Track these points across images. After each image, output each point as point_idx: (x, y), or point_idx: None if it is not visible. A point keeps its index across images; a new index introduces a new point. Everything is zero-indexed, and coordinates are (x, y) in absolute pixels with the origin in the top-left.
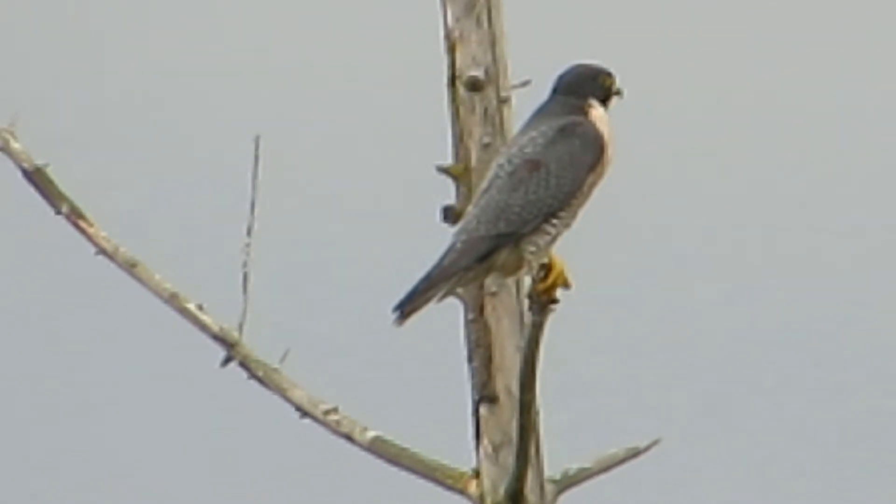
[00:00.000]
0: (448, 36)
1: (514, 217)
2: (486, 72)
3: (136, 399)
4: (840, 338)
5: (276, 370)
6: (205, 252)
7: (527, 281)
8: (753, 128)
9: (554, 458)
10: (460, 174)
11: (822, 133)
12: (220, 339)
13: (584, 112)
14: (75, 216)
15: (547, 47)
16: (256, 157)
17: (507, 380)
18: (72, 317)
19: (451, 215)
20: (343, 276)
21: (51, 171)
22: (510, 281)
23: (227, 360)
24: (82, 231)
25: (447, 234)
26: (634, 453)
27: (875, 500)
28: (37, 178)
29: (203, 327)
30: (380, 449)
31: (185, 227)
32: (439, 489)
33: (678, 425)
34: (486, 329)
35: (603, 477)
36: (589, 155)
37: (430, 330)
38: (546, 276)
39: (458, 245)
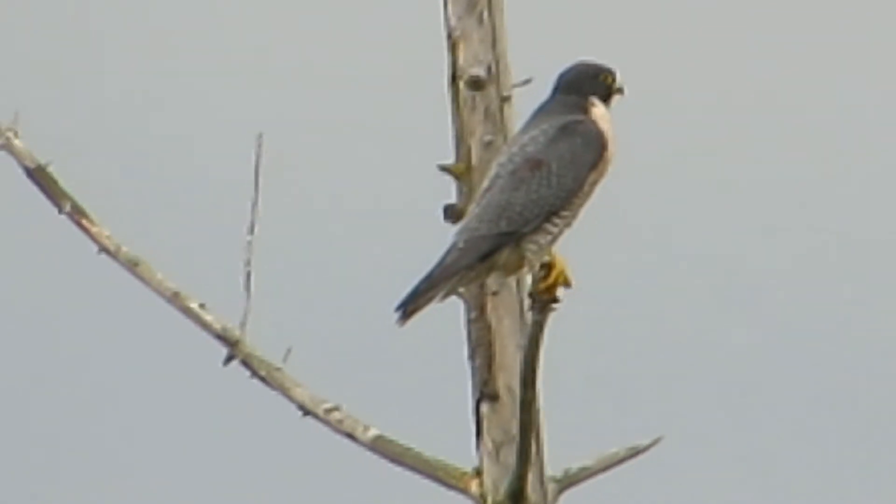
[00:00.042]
0: (450, 35)
1: (515, 216)
2: (488, 70)
3: (138, 398)
4: (840, 338)
5: (278, 369)
6: (207, 251)
7: (528, 280)
8: (753, 128)
9: (555, 456)
10: (462, 173)
11: (822, 133)
12: (222, 337)
13: (585, 110)
14: (78, 215)
15: (548, 46)
16: (258, 157)
17: (508, 378)
18: (73, 316)
19: (452, 214)
20: (345, 275)
21: (53, 170)
22: (511, 280)
23: (229, 359)
24: (85, 230)
25: (449, 233)
26: (635, 452)
27: (876, 500)
28: (39, 177)
29: (205, 326)
30: (381, 447)
31: (187, 227)
32: (441, 488)
33: (679, 424)
34: (487, 328)
35: (604, 476)
36: (590, 153)
37: (431, 329)
38: (547, 275)
39: (460, 244)
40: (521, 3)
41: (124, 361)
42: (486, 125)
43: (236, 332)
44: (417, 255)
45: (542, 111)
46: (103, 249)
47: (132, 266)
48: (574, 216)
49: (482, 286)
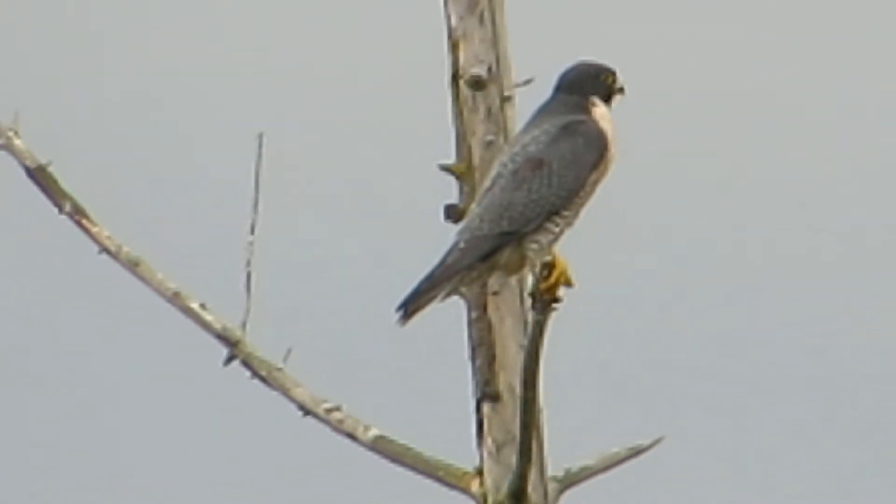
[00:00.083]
0: (451, 34)
1: (516, 215)
2: (489, 70)
3: (138, 398)
4: (840, 338)
5: (278, 369)
6: (207, 251)
7: (529, 280)
8: (753, 128)
9: (556, 456)
10: (463, 173)
11: (822, 133)
12: (222, 337)
13: (586, 110)
14: (78, 215)
15: (549, 46)
16: (259, 156)
17: (509, 378)
18: (73, 316)
19: (453, 214)
20: (345, 275)
21: (53, 170)
22: (513, 280)
23: (229, 359)
24: (85, 230)
25: (450, 233)
26: (637, 452)
27: (876, 500)
28: (40, 177)
29: (206, 326)
30: (382, 447)
31: (188, 227)
32: (442, 487)
33: (680, 424)
34: (488, 328)
35: (605, 475)
36: (592, 153)
37: (432, 329)
38: (549, 275)
39: (462, 244)
40: (522, 3)
41: (125, 361)
42: (487, 125)
43: (237, 332)
44: (418, 255)
45: (543, 111)
46: (104, 249)
47: (133, 266)
48: (575, 216)
49: (483, 286)
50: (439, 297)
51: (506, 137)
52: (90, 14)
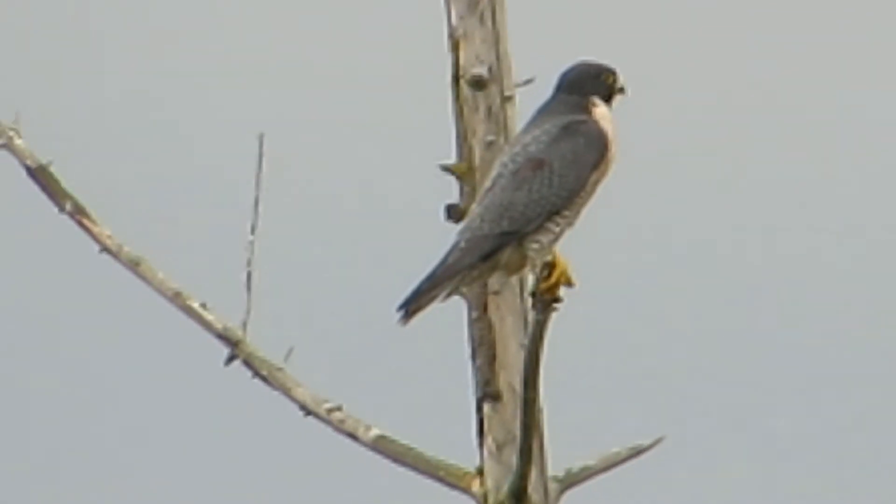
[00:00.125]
0: (451, 34)
1: (517, 215)
2: (490, 70)
3: (139, 398)
4: (840, 338)
5: (279, 369)
6: (208, 250)
7: (530, 279)
8: (753, 128)
9: (557, 456)
10: (464, 173)
11: (822, 133)
12: (223, 337)
13: (587, 110)
14: (79, 214)
15: (550, 45)
16: (260, 156)
17: (510, 378)
18: (74, 315)
19: (454, 214)
20: (346, 275)
21: (54, 170)
22: (514, 279)
23: (230, 359)
24: (86, 229)
25: (451, 233)
26: (638, 452)
27: (876, 500)
28: (41, 176)
29: (207, 326)
30: (383, 447)
31: (189, 226)
32: (443, 487)
33: (680, 424)
34: (489, 327)
35: (606, 475)
36: (592, 153)
37: (433, 329)
38: (549, 275)
39: (462, 244)
40: (522, 3)
41: (125, 361)
42: (487, 125)
43: (238, 332)
44: (419, 255)
45: (544, 111)
46: (105, 249)
47: (134, 266)
48: (576, 216)
49: (484, 286)
50: (440, 297)
51: (506, 137)
52: (90, 14)
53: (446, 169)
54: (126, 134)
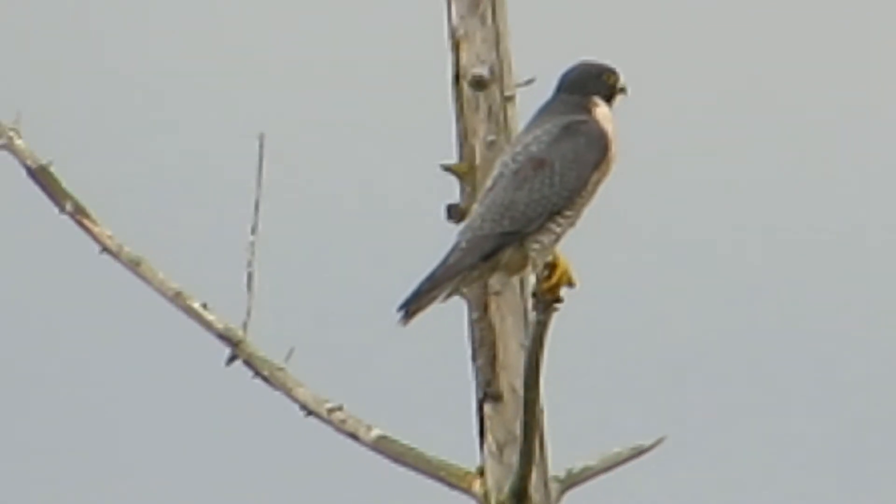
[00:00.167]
0: (452, 34)
1: (518, 215)
2: (491, 70)
3: (139, 398)
4: (840, 338)
5: (280, 368)
6: (209, 251)
7: (531, 279)
8: (753, 128)
9: (558, 456)
10: (465, 172)
11: (822, 133)
12: (224, 337)
13: (588, 110)
14: (79, 214)
15: (551, 45)
16: (261, 156)
17: (511, 378)
18: (74, 316)
19: (455, 214)
20: (347, 275)
21: (55, 170)
22: (514, 280)
23: (231, 359)
24: (86, 229)
25: (452, 233)
26: (638, 452)
27: (876, 500)
28: (41, 177)
29: (207, 325)
30: (384, 447)
31: (189, 226)
32: (444, 488)
33: (681, 424)
34: (490, 328)
35: (607, 475)
36: (593, 153)
37: (434, 329)
38: (550, 275)
39: (463, 244)
40: (523, 3)
41: (126, 361)
42: (488, 125)
43: (239, 332)
44: (420, 255)
45: (545, 111)
46: (105, 249)
47: (134, 266)
48: (577, 216)
49: (485, 286)
50: (441, 297)
51: (507, 137)
52: (91, 14)
53: (447, 169)
54: (126, 134)
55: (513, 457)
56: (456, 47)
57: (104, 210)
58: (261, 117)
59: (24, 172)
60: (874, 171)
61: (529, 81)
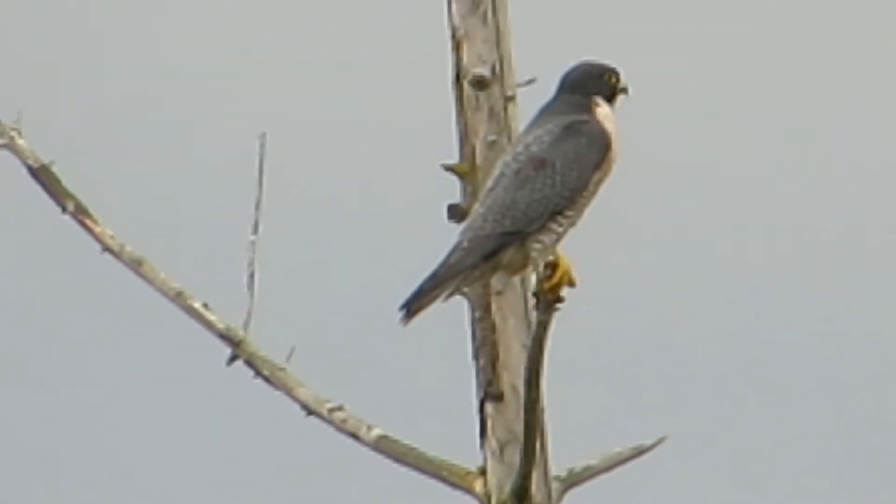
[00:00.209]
0: (453, 34)
1: (519, 215)
2: (492, 70)
3: (140, 397)
4: (840, 338)
5: (281, 368)
6: (210, 250)
7: (532, 279)
8: (753, 128)
9: (559, 455)
10: (466, 172)
11: (822, 133)
12: (225, 337)
13: (589, 110)
14: (81, 214)
15: (552, 45)
16: (260, 156)
17: (512, 378)
18: (76, 315)
19: (456, 213)
20: (348, 275)
21: (56, 169)
22: (516, 279)
23: (232, 359)
24: (88, 229)
25: (453, 233)
26: (640, 451)
27: (875, 500)
28: (43, 176)
29: (209, 325)
30: (385, 447)
31: (190, 226)
32: (445, 487)
33: (682, 424)
34: (491, 327)
35: (608, 475)
36: (594, 153)
37: (435, 329)
38: (552, 275)
39: (465, 243)
40: (524, 3)
41: (127, 361)
42: (490, 125)
43: (240, 332)
44: (421, 255)
45: (546, 111)
46: (107, 249)
47: (136, 265)
48: (578, 216)
49: (486, 286)
50: (442, 297)
51: (509, 137)
52: (91, 14)
53: (448, 169)
54: (127, 134)
55: (514, 456)
56: (457, 47)
57: (106, 210)
58: (261, 117)
59: (25, 172)
60: (874, 171)
61: (530, 81)
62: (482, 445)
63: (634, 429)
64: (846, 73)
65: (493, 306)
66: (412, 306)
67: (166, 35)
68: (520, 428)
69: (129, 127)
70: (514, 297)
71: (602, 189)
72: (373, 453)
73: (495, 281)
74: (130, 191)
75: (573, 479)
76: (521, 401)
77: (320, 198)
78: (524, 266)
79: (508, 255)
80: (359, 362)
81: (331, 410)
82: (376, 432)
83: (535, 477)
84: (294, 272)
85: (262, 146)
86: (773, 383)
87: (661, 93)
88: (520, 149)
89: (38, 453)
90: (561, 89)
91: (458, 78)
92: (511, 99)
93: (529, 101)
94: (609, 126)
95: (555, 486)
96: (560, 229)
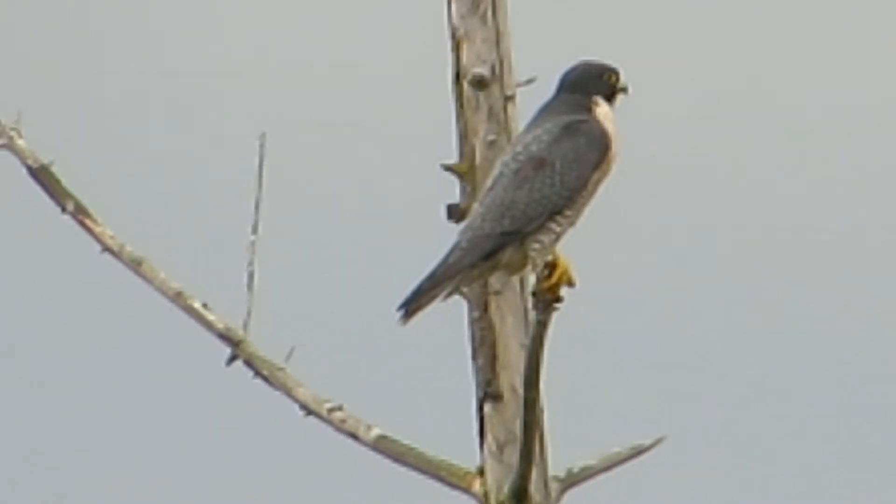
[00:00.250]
0: (453, 34)
1: (518, 215)
2: (492, 69)
3: (140, 397)
4: (840, 338)
5: (280, 368)
6: (210, 250)
7: (531, 279)
8: (753, 128)
9: (558, 456)
10: (465, 172)
11: (822, 133)
12: (225, 337)
13: (589, 110)
14: (81, 214)
15: (552, 45)
16: (260, 156)
17: (511, 378)
18: (75, 315)
19: (455, 213)
20: (348, 275)
21: (56, 170)
22: (515, 279)
23: (232, 359)
24: (88, 229)
25: (453, 233)
26: (638, 451)
27: (875, 499)
28: (42, 176)
29: (208, 325)
30: (384, 447)
31: (190, 226)
32: (444, 487)
33: (681, 424)
34: (490, 327)
35: (607, 475)
36: (594, 153)
37: (434, 328)
38: (551, 275)
39: (463, 243)
40: (524, 3)
41: (127, 361)
42: (489, 124)
43: (239, 332)
44: (420, 255)
45: (545, 110)
46: (106, 249)
47: (135, 265)
48: (578, 215)
49: (485, 285)
50: (441, 297)
51: (508, 137)
52: (91, 14)
53: (448, 168)
54: (126, 134)
55: (513, 456)
56: (456, 47)
57: (105, 210)
58: (261, 117)
59: (25, 172)
60: (874, 171)
61: (530, 81)
62: (481, 445)
63: (633, 429)
64: (846, 74)
65: (492, 306)
66: (411, 306)
67: (166, 35)
68: (518, 428)
69: (129, 127)
70: (512, 296)
71: (602, 189)
72: (372, 453)
73: (494, 280)
74: (130, 191)
75: (572, 479)
76: (520, 401)
77: (320, 198)
78: (523, 266)
79: (507, 254)
80: (358, 362)
81: (330, 410)
82: (375, 432)
83: (534, 477)
84: (294, 272)
85: (262, 146)
86: (774, 383)
87: (661, 93)
88: (519, 148)
89: (38, 453)
90: (560, 89)
91: (457, 78)
92: (511, 99)
93: (529, 101)
94: (609, 126)
95: (554, 486)
96: (559, 229)
